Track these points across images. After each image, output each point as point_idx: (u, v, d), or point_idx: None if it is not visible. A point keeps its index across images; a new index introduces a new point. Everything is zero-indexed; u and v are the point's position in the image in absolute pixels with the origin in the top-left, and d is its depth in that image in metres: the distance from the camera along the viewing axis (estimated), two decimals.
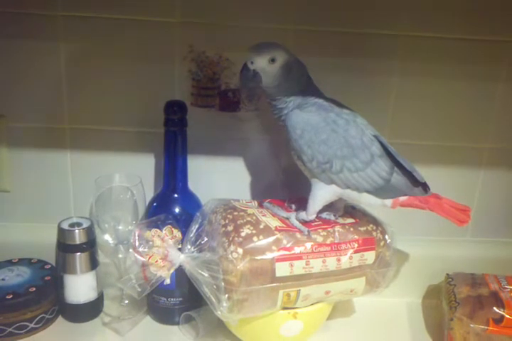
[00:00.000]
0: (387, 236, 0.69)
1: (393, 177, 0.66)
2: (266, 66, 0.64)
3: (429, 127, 0.81)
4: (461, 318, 0.70)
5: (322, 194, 0.67)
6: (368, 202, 0.68)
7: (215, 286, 0.64)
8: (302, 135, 0.65)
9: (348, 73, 0.78)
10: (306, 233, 0.66)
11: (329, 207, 0.71)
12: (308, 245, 0.65)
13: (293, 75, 0.65)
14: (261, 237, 0.64)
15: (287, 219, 0.69)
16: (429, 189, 0.68)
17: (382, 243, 0.69)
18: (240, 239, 0.64)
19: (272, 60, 0.64)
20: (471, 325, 0.69)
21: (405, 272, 0.83)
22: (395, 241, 0.70)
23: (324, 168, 0.65)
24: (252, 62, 0.64)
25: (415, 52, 0.77)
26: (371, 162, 0.65)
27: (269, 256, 0.63)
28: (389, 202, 0.67)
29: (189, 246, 0.67)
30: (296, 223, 0.68)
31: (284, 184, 0.83)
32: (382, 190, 0.66)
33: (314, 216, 0.69)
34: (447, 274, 0.81)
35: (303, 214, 0.68)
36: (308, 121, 0.65)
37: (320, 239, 0.66)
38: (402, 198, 0.67)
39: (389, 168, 0.66)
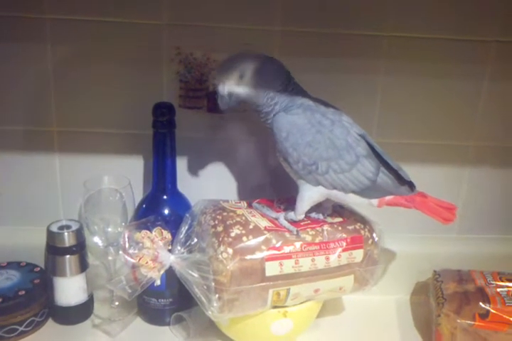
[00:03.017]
0: (374, 235, 0.70)
1: (379, 177, 0.66)
2: (237, 84, 0.65)
3: (415, 126, 0.82)
4: (448, 314, 0.71)
5: (310, 195, 0.68)
6: (354, 201, 0.68)
7: (205, 286, 0.64)
8: (287, 137, 0.65)
9: (334, 73, 0.79)
10: (295, 233, 0.67)
11: (318, 207, 0.71)
12: (297, 244, 0.66)
13: (267, 78, 0.65)
14: (250, 237, 0.64)
15: (276, 219, 0.69)
16: (414, 187, 0.69)
17: (370, 241, 0.69)
18: (230, 239, 0.64)
19: (241, 77, 0.65)
20: (458, 321, 0.70)
21: (393, 269, 0.84)
22: (382, 239, 0.71)
23: (310, 169, 0.65)
24: (223, 86, 0.65)
25: (401, 52, 0.78)
26: (356, 163, 0.65)
27: (258, 255, 0.64)
28: (375, 201, 0.68)
29: (179, 247, 0.68)
30: (285, 223, 0.68)
31: (273, 184, 0.84)
32: (368, 190, 0.67)
33: (303, 216, 0.69)
34: (434, 271, 0.82)
35: (292, 215, 0.69)
36: (293, 123, 0.65)
37: (309, 238, 0.67)
38: (388, 197, 0.68)
39: (375, 168, 0.66)
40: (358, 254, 0.68)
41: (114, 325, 0.75)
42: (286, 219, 0.69)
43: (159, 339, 0.74)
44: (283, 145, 0.66)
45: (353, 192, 0.67)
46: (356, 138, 0.66)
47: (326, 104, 0.68)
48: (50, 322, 0.76)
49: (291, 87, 0.67)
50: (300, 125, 0.65)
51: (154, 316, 0.77)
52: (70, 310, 0.75)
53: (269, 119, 0.67)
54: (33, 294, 0.73)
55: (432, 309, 0.76)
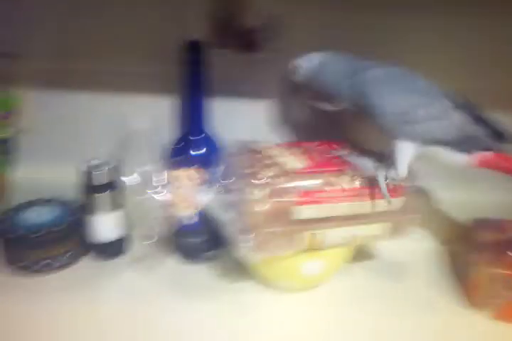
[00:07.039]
0: (414, 183, 0.68)
1: (473, 128, 0.64)
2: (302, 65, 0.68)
3: None
4: (484, 263, 0.70)
5: (407, 150, 0.65)
6: (450, 158, 0.66)
7: (238, 227, 0.64)
8: (378, 87, 0.63)
9: None
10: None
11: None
12: (334, 188, 0.64)
13: (331, 73, 0.65)
14: (284, 179, 0.63)
15: (376, 176, 0.66)
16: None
17: (409, 189, 0.67)
18: (263, 180, 0.63)
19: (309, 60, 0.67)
20: (494, 270, 0.68)
21: (431, 218, 0.83)
22: (422, 187, 0.68)
23: (401, 119, 0.63)
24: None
25: None
26: (448, 111, 0.63)
27: (291, 197, 0.63)
28: (471, 159, 0.66)
29: (212, 187, 0.67)
30: (383, 184, 0.65)
31: (308, 126, 0.82)
32: (463, 143, 0.64)
33: (405, 174, 0.66)
34: (472, 219, 0.80)
35: (393, 173, 0.66)
36: (382, 73, 0.63)
37: (347, 181, 0.65)
38: (485, 156, 0.65)
39: (467, 118, 0.64)
40: (396, 202, 0.67)
41: (148, 261, 0.77)
42: (387, 177, 0.66)
43: (193, 276, 0.75)
44: (372, 97, 0.63)
45: (447, 143, 0.64)
46: (439, 90, 0.64)
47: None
48: (86, 257, 0.78)
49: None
50: (389, 74, 0.63)
51: (188, 254, 0.78)
52: (105, 247, 0.77)
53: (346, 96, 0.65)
54: (71, 229, 0.75)
55: (468, 258, 0.75)
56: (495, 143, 0.66)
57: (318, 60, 0.67)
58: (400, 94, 0.62)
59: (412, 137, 0.64)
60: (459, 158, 0.66)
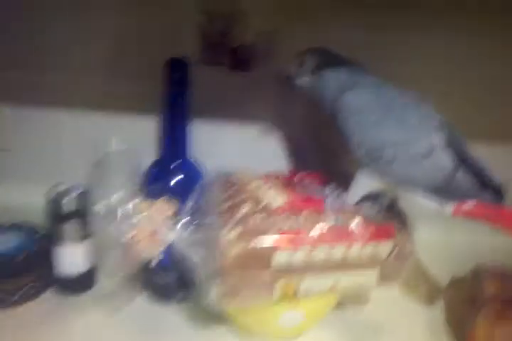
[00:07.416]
0: (405, 225, 0.61)
1: (458, 175, 0.55)
2: (297, 69, 0.62)
3: None
4: (486, 317, 0.62)
5: (368, 183, 0.59)
6: (423, 204, 0.58)
7: (207, 269, 0.57)
8: (352, 115, 0.56)
9: None
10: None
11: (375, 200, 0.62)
12: (314, 230, 0.57)
13: (327, 80, 0.60)
14: (260, 218, 0.57)
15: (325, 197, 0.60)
16: (502, 195, 0.55)
17: (400, 233, 0.59)
18: (237, 219, 0.57)
19: (301, 65, 0.62)
20: (498, 327, 0.61)
21: (426, 263, 0.74)
22: (414, 231, 0.61)
23: (374, 156, 0.56)
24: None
25: None
26: (431, 153, 0.54)
27: (267, 239, 0.56)
28: (449, 208, 0.57)
29: (183, 223, 0.61)
30: (330, 206, 0.59)
31: (295, 154, 0.75)
32: (442, 190, 0.56)
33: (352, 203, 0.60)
34: (474, 266, 0.71)
35: (342, 197, 0.59)
36: (360, 98, 0.56)
37: (329, 224, 0.58)
38: (468, 206, 0.56)
39: (453, 163, 0.55)
40: (385, 247, 0.59)
41: (116, 299, 0.70)
42: (334, 201, 0.59)
43: (162, 317, 0.69)
44: (346, 125, 0.56)
45: (424, 189, 0.56)
46: (433, 124, 0.56)
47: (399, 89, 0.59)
48: (48, 292, 0.71)
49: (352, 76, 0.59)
50: (368, 101, 0.56)
51: (157, 293, 0.71)
52: (70, 280, 0.71)
53: (332, 103, 0.59)
54: (32, 260, 0.69)
55: (468, 310, 0.67)
56: (478, 191, 0.56)
57: (314, 66, 0.61)
58: (371, 127, 0.55)
59: (377, 173, 0.57)
60: (434, 206, 0.58)
